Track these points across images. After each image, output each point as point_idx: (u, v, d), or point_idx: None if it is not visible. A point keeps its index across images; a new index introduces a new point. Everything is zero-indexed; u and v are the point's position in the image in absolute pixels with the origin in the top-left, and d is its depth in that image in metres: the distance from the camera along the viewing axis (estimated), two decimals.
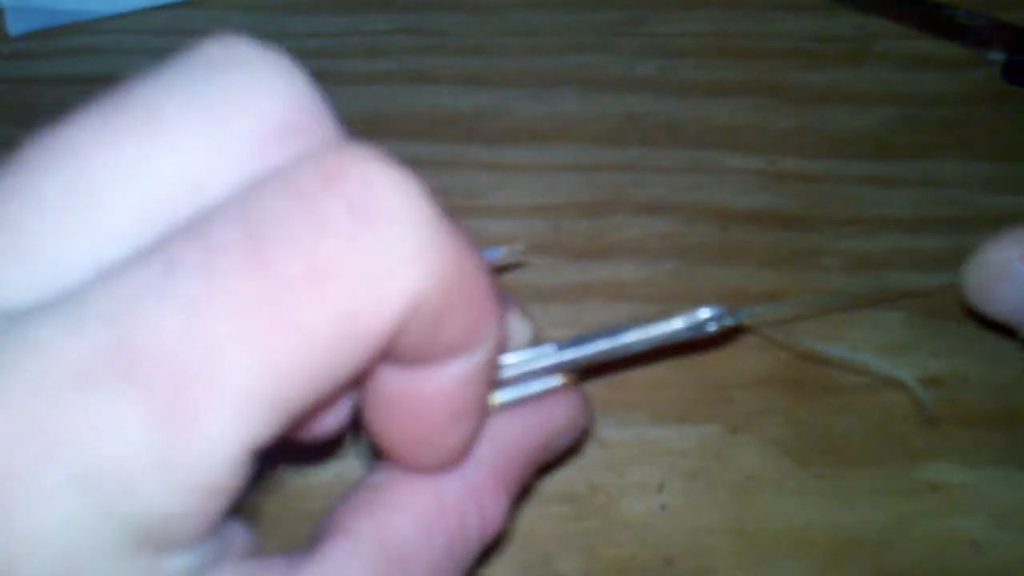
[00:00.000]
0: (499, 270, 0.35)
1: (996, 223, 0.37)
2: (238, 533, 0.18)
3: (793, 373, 0.34)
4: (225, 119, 0.17)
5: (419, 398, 0.19)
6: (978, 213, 0.38)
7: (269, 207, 0.16)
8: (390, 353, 0.18)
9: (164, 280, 0.15)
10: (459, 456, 0.21)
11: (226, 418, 0.15)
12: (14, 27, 0.45)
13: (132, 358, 0.15)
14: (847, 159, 0.39)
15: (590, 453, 0.32)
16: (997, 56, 0.42)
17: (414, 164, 0.17)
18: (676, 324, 0.25)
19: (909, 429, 0.32)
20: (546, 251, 0.37)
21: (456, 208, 0.37)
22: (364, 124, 0.41)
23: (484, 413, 0.21)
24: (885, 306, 0.35)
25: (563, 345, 0.24)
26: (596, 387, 0.33)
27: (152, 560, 0.16)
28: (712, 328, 0.25)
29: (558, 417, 0.24)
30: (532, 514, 0.31)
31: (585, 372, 0.25)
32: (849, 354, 0.32)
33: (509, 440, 0.23)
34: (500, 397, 0.23)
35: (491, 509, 0.22)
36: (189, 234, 0.16)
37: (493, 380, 0.21)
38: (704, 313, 0.25)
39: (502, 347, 0.20)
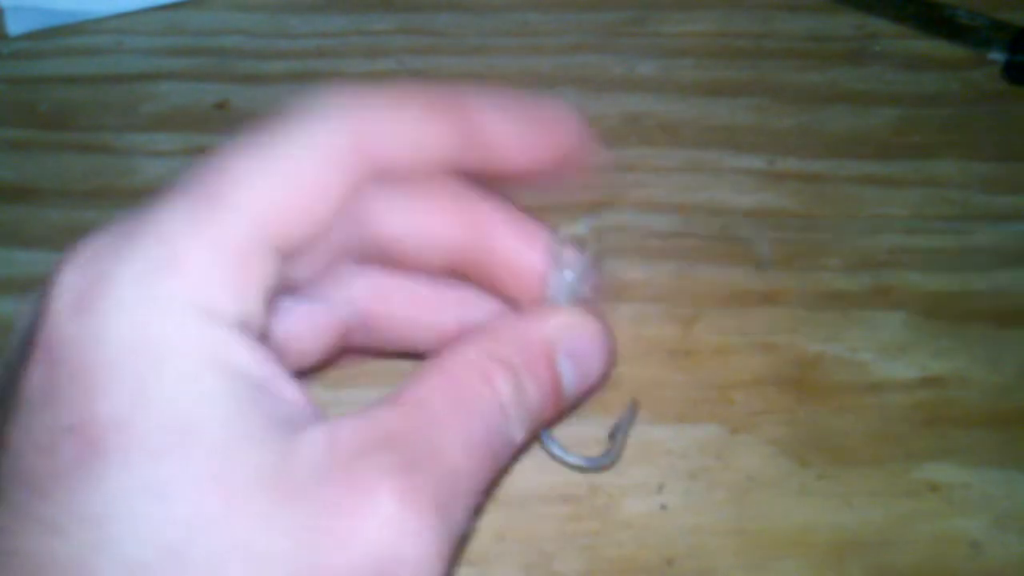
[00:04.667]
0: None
1: (996, 223, 0.37)
2: None
3: (793, 373, 0.34)
4: None
5: None
6: (978, 213, 0.38)
7: None
8: None
9: None
10: None
11: None
12: (14, 27, 0.45)
13: None
14: (847, 159, 0.39)
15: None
16: (997, 56, 0.42)
17: None
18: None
19: (909, 429, 0.32)
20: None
21: None
22: None
23: None
24: (885, 306, 0.35)
25: None
26: None
27: None
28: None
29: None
30: (532, 514, 0.31)
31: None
32: None
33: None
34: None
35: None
36: None
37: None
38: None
39: None
